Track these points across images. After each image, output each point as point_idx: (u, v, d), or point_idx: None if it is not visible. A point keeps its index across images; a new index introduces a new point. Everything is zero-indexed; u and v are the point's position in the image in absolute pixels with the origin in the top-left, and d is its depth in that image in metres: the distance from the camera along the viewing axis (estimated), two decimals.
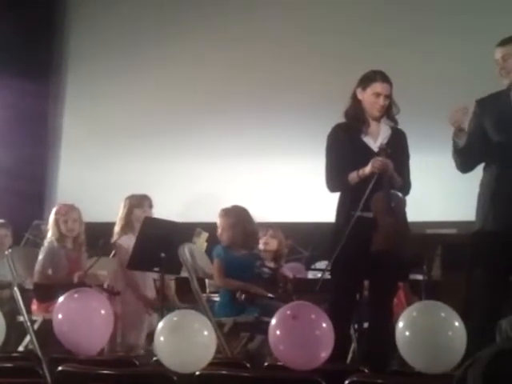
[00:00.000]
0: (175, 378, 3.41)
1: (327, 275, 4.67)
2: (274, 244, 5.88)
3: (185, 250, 5.07)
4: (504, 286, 4.32)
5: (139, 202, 5.91)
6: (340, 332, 4.32)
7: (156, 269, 5.31)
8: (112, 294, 5.53)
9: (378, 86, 4.60)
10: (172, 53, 7.95)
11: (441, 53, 7.01)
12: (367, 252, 4.43)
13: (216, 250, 5.66)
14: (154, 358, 3.86)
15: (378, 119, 4.67)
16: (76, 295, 4.14)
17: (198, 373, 3.54)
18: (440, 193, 6.68)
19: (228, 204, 7.10)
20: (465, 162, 4.41)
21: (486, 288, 4.18)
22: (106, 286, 5.72)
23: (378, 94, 4.60)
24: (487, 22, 6.79)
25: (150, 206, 5.88)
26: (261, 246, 5.86)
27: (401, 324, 3.60)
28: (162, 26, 8.01)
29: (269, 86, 7.54)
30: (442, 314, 3.58)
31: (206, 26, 7.86)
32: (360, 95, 4.66)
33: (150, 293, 5.87)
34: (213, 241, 5.94)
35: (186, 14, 7.96)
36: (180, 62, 7.92)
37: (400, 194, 4.61)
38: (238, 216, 5.67)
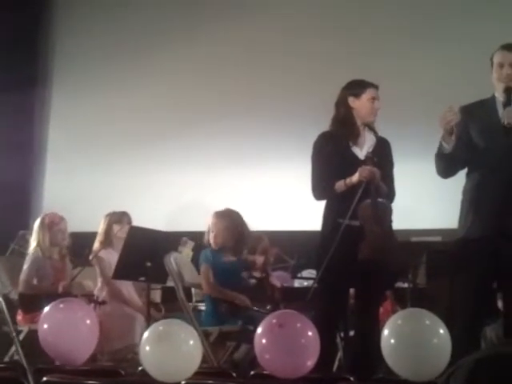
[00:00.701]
0: None
1: (316, 284, 4.67)
2: (261, 260, 5.87)
3: (171, 259, 5.06)
4: (488, 293, 4.32)
5: (118, 218, 5.96)
6: (327, 340, 4.33)
7: (142, 278, 5.29)
8: (97, 303, 5.53)
9: (372, 91, 4.67)
10: (158, 64, 7.94)
11: (433, 59, 7.00)
12: (354, 260, 4.44)
13: (204, 254, 5.64)
14: (140, 368, 3.86)
15: (371, 124, 4.70)
16: (61, 305, 4.14)
17: (183, 382, 3.54)
18: (424, 200, 6.70)
19: None
20: (448, 168, 4.40)
21: (469, 295, 4.18)
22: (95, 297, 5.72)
23: (373, 99, 4.65)
24: (477, 30, 6.80)
25: (129, 223, 5.90)
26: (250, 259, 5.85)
27: (386, 332, 3.61)
28: (148, 36, 8.01)
29: (256, 96, 7.54)
30: (427, 322, 3.59)
31: (192, 36, 7.86)
32: (353, 103, 4.68)
33: (137, 302, 5.87)
34: (199, 250, 5.93)
35: (173, 24, 7.96)
36: (166, 72, 7.92)
37: (386, 203, 4.62)
38: (232, 219, 5.68)
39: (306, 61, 7.44)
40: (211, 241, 5.67)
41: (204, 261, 5.61)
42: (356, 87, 4.70)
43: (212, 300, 5.60)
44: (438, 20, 7.11)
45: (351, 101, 4.68)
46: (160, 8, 8.09)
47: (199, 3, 7.97)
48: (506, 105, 4.24)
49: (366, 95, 4.65)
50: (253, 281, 5.79)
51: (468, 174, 4.43)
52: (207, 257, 5.61)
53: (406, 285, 5.28)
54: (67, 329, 4.01)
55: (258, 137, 7.43)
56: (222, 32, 7.76)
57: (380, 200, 4.56)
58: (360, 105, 4.67)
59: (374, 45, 7.25)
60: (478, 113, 4.36)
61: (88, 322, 4.09)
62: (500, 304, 4.84)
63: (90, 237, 6.02)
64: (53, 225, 5.95)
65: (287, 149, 7.19)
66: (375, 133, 4.73)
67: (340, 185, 4.55)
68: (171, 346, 3.61)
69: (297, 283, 6.19)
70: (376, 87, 4.70)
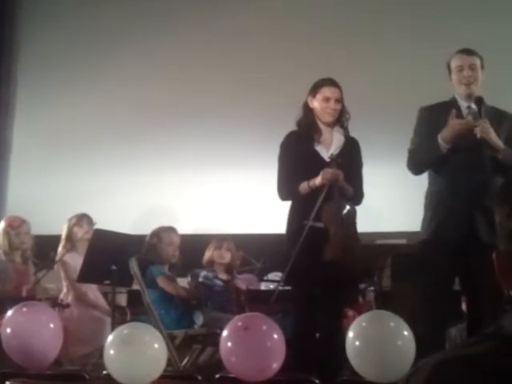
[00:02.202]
0: None
1: (281, 286, 4.67)
2: (228, 257, 5.87)
3: (136, 263, 5.04)
4: (450, 295, 4.35)
5: (77, 221, 5.94)
6: (309, 339, 4.35)
7: (107, 281, 5.26)
8: (61, 306, 5.48)
9: (326, 91, 4.66)
10: (119, 65, 7.89)
11: (409, 60, 6.98)
12: (319, 262, 4.44)
13: (155, 269, 5.62)
14: (104, 372, 3.84)
15: (330, 125, 4.70)
16: (25, 309, 4.11)
17: None
18: (390, 203, 6.72)
19: (179, 216, 7.10)
20: (431, 166, 4.44)
21: (432, 297, 4.21)
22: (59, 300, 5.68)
23: (327, 99, 4.65)
24: (448, 30, 6.82)
25: (90, 224, 5.88)
26: (216, 259, 5.85)
27: (351, 334, 3.63)
28: (115, 37, 7.95)
29: (218, 97, 7.51)
30: (392, 324, 3.62)
31: (151, 37, 7.80)
32: (311, 103, 4.70)
33: (104, 305, 5.84)
34: None
35: (142, 24, 7.90)
36: (127, 74, 7.86)
37: (350, 204, 4.63)
38: None
39: (268, 61, 7.43)
40: (175, 253, 5.73)
41: (158, 274, 5.61)
42: (313, 87, 4.72)
43: (173, 309, 5.61)
44: (411, 18, 7.11)
45: (310, 101, 4.71)
46: (127, 8, 8.04)
47: (172, 2, 7.93)
48: (476, 116, 4.29)
49: (320, 94, 4.66)
50: (219, 282, 5.78)
51: (430, 178, 4.46)
52: (160, 270, 5.64)
53: (371, 287, 5.30)
54: (31, 333, 3.98)
55: (224, 140, 7.41)
56: (187, 34, 7.73)
57: (344, 202, 4.57)
58: (316, 105, 4.69)
59: (343, 45, 7.24)
60: (443, 115, 4.40)
61: (52, 325, 4.07)
62: (464, 306, 4.89)
63: (54, 240, 5.97)
64: (11, 228, 5.91)
65: (253, 151, 7.18)
66: (346, 132, 4.74)
67: (304, 187, 4.56)
68: (136, 350, 3.59)
69: (263, 286, 6.19)
70: (336, 86, 4.68)
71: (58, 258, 5.80)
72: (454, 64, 4.43)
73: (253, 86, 7.40)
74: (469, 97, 4.38)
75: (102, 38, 7.99)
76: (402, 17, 7.17)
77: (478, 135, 4.22)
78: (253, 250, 6.16)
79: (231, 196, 7.34)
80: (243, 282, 5.98)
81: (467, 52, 4.44)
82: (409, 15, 7.15)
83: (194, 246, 5.89)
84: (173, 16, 7.84)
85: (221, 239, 5.89)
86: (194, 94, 7.56)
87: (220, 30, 7.63)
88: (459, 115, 4.36)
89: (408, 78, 6.87)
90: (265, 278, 6.17)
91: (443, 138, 4.29)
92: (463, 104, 4.38)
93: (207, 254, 5.85)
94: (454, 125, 4.28)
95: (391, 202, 6.67)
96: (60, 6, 8.23)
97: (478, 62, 4.40)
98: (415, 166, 4.48)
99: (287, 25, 7.45)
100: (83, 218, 5.95)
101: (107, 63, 7.92)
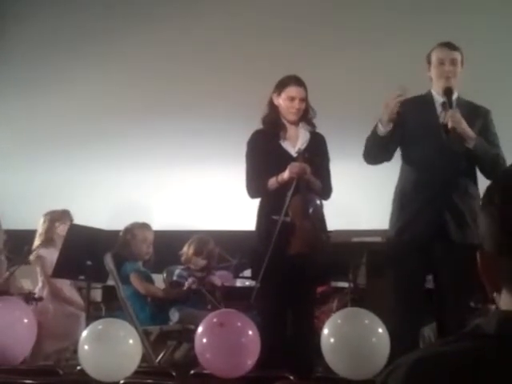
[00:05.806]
0: None
1: (257, 283, 4.66)
2: (202, 264, 5.87)
3: (111, 258, 5.02)
4: (421, 292, 4.32)
5: (60, 216, 5.87)
6: (280, 338, 4.35)
7: (82, 277, 5.24)
8: (34, 300, 5.44)
9: (292, 90, 4.65)
10: (98, 62, 7.84)
11: (379, 57, 6.99)
12: (285, 256, 4.43)
13: (129, 266, 5.63)
14: (79, 367, 3.82)
15: (295, 123, 4.70)
16: None
17: (122, 382, 3.51)
18: (366, 201, 6.74)
19: (155, 212, 7.09)
20: (377, 153, 4.36)
21: (402, 295, 4.21)
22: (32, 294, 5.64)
23: (292, 98, 4.64)
24: (426, 26, 6.84)
25: (71, 220, 5.83)
26: (192, 263, 5.85)
27: (326, 331, 3.64)
28: (78, 36, 7.90)
29: (191, 94, 7.49)
30: (366, 321, 3.63)
31: (128, 36, 7.78)
32: (276, 101, 4.70)
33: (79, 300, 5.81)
34: None
35: (111, 22, 7.88)
36: (104, 71, 7.83)
37: (317, 198, 4.63)
38: None
39: (238, 60, 7.42)
40: (148, 250, 5.73)
41: (132, 271, 5.62)
42: (278, 85, 4.71)
43: (149, 305, 5.61)
44: (383, 15, 7.13)
45: (274, 98, 4.71)
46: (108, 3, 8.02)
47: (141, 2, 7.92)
48: (446, 107, 4.26)
49: (285, 93, 4.65)
50: (194, 279, 5.77)
51: (399, 174, 4.42)
52: (133, 267, 5.65)
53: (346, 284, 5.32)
54: (4, 328, 3.95)
55: (200, 137, 7.40)
56: (160, 31, 7.70)
57: (310, 195, 4.57)
58: (281, 103, 4.69)
59: (314, 42, 7.25)
60: (415, 109, 4.36)
61: (25, 320, 4.04)
62: None
63: (30, 234, 5.92)
64: None
65: (231, 149, 7.16)
66: (312, 127, 4.73)
67: (272, 182, 4.56)
68: (110, 345, 3.58)
69: (239, 283, 6.19)
70: (301, 86, 4.65)
71: (34, 252, 5.76)
72: (434, 57, 4.33)
73: (230, 84, 7.39)
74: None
75: (71, 36, 7.94)
76: (376, 12, 7.19)
77: (449, 125, 4.17)
78: (228, 247, 6.16)
79: (207, 192, 7.34)
80: (219, 278, 5.98)
81: (450, 46, 4.35)
82: (383, 10, 7.17)
83: (170, 242, 5.89)
84: (150, 14, 7.81)
85: (202, 242, 5.86)
86: (172, 93, 7.54)
87: (195, 29, 7.61)
88: (433, 110, 4.34)
89: (381, 76, 6.87)
90: (240, 274, 6.17)
91: (381, 120, 4.25)
92: (439, 99, 4.35)
93: (187, 253, 5.84)
94: (387, 104, 4.23)
95: (368, 199, 6.69)
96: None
97: (459, 57, 4.33)
98: (365, 153, 4.42)
99: (265, 23, 7.45)
100: (66, 214, 5.89)
101: (85, 60, 7.88)
